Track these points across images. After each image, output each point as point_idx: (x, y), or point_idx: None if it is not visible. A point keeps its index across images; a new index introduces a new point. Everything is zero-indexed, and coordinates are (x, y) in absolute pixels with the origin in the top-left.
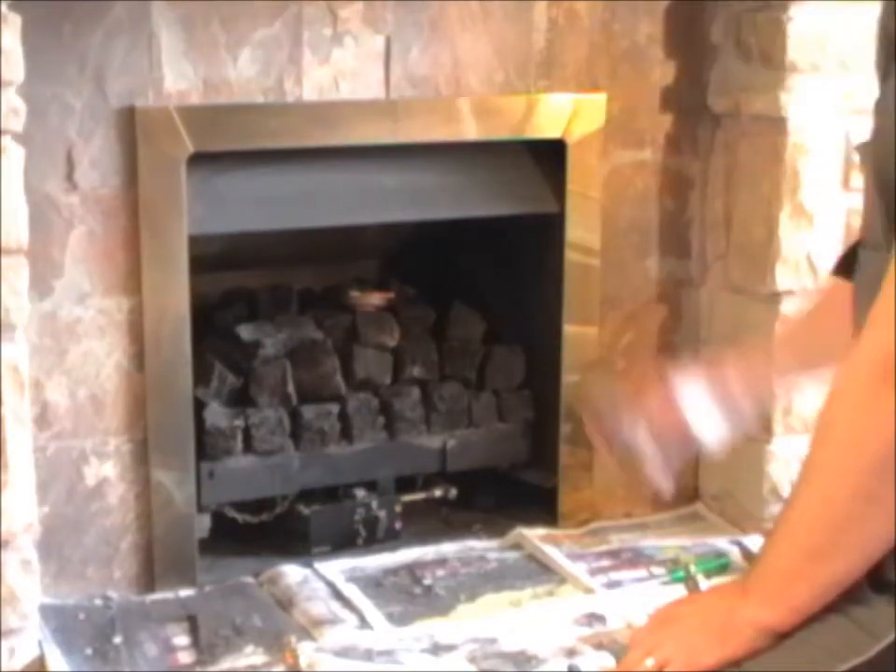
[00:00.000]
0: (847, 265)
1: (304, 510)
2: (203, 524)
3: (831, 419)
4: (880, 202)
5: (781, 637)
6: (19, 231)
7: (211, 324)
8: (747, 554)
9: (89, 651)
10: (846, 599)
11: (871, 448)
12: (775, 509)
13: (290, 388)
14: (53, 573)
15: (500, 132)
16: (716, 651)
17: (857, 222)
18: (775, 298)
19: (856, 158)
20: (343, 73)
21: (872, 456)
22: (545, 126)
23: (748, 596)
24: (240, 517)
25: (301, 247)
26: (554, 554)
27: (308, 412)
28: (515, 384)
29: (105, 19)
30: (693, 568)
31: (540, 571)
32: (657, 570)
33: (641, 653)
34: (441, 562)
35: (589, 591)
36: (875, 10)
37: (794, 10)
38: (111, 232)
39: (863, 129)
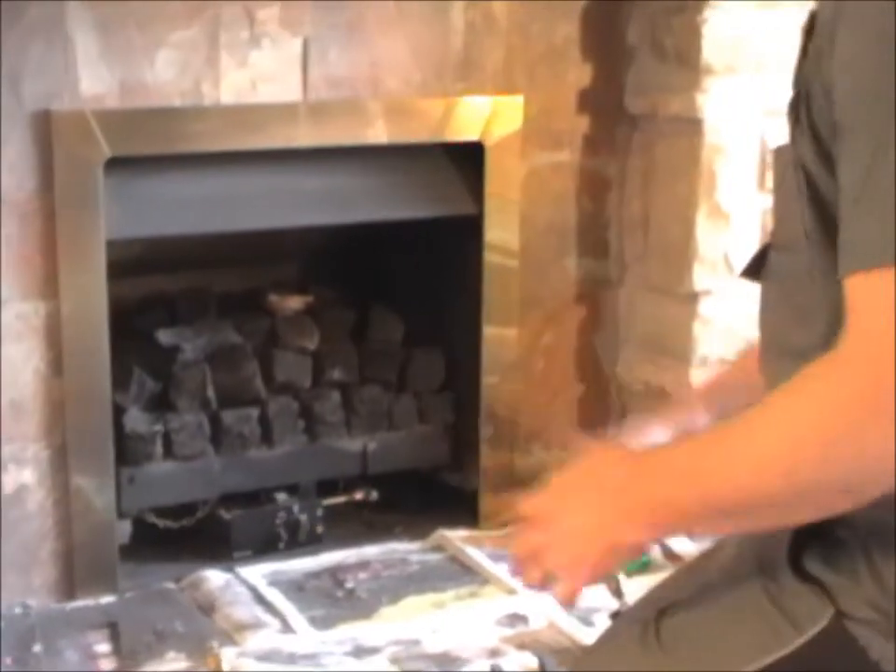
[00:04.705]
0: (755, 267)
1: (225, 514)
2: (124, 529)
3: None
4: (806, 203)
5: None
6: None
7: (130, 328)
8: (668, 553)
9: (8, 661)
10: (770, 579)
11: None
12: None
13: (210, 393)
14: None
15: (419, 134)
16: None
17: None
18: (693, 297)
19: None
20: (260, 75)
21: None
22: (463, 128)
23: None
24: (161, 522)
25: (220, 251)
26: (476, 556)
27: (228, 416)
28: (435, 386)
29: (19, 21)
30: None
31: (463, 573)
32: None
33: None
34: (364, 565)
35: (511, 592)
36: (790, 13)
37: (709, 12)
38: (28, 237)
39: (779, 130)
